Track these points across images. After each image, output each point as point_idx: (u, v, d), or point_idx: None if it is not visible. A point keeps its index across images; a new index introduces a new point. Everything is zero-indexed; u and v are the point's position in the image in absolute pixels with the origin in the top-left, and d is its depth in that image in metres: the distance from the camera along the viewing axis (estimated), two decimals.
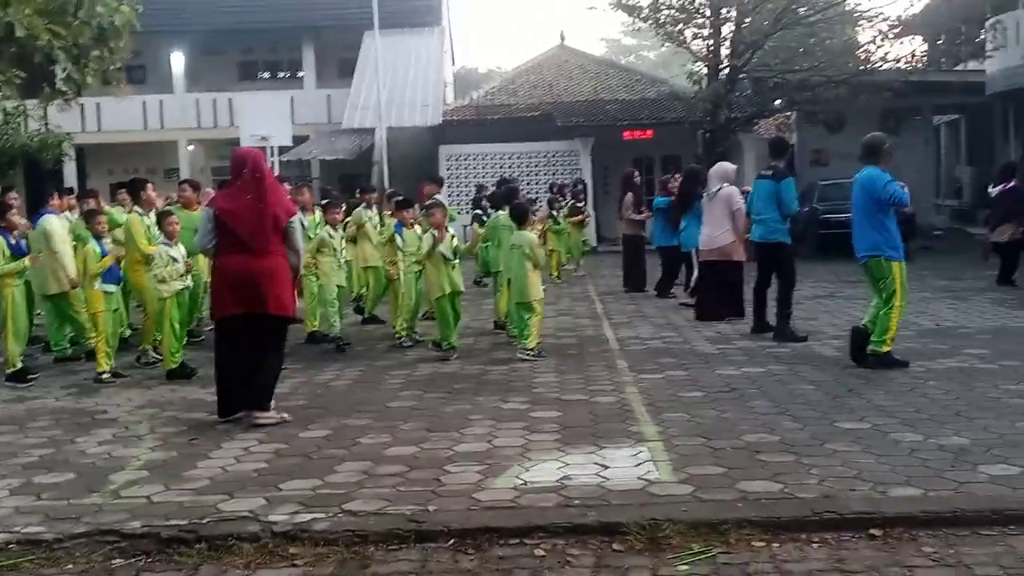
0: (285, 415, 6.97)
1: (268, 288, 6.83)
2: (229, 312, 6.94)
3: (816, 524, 4.58)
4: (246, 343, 6.93)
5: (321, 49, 32.06)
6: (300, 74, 32.53)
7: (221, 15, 30.29)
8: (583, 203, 20.42)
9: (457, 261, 9.62)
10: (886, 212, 8.37)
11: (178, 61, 31.50)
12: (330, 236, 10.76)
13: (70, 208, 11.66)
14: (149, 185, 10.63)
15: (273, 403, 7.03)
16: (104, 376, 8.76)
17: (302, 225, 10.65)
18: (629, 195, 15.65)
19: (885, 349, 8.28)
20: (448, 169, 26.28)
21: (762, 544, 4.46)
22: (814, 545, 4.45)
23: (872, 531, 4.52)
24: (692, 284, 12.87)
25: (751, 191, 10.82)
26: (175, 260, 8.96)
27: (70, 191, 13.88)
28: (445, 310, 9.59)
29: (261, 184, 6.96)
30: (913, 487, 4.99)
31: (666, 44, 24.75)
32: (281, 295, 6.91)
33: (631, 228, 15.65)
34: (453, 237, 9.79)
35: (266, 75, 34.53)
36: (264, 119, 21.59)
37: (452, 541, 4.60)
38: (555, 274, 17.21)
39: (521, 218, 9.81)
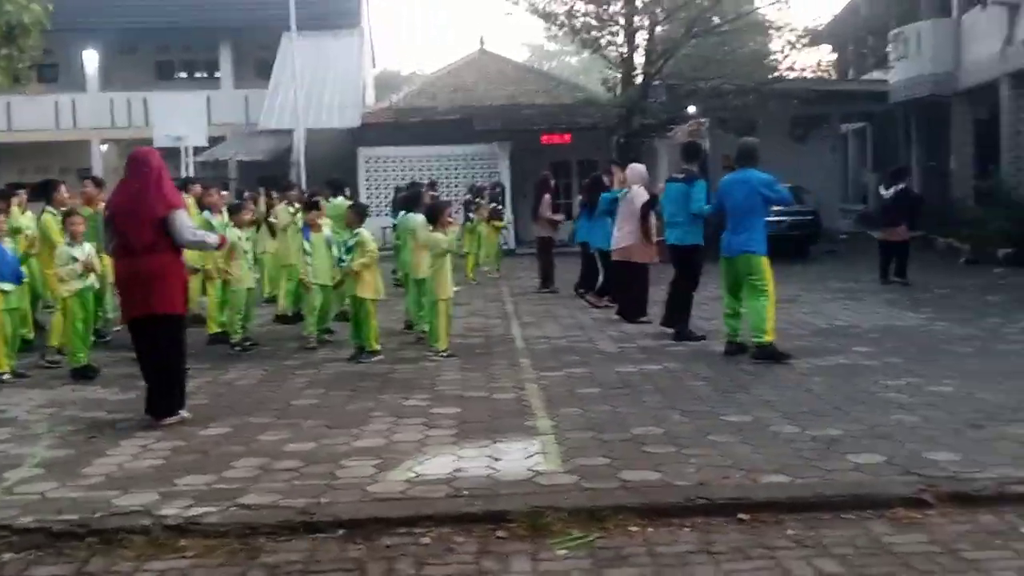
0: (184, 413, 7.01)
1: (152, 287, 6.85)
2: (128, 316, 7.07)
3: (689, 510, 4.84)
4: (148, 344, 6.99)
5: (238, 49, 31.82)
6: (217, 74, 32.22)
7: (135, 14, 29.83)
8: (501, 206, 20.67)
9: (349, 260, 9.67)
10: (765, 212, 9.08)
11: (91, 59, 30.94)
12: (239, 239, 10.75)
13: None
14: (62, 186, 10.55)
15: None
16: (4, 376, 8.69)
17: (210, 226, 10.79)
18: (547, 196, 15.96)
19: (768, 339, 8.77)
20: (367, 171, 26.34)
21: (637, 529, 4.69)
22: (686, 529, 4.69)
23: (740, 516, 4.79)
24: (599, 285, 13.18)
25: (663, 195, 11.08)
26: (75, 259, 8.93)
27: None
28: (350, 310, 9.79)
29: (144, 179, 6.95)
30: (783, 475, 5.28)
31: (581, 51, 25.13)
32: (167, 294, 6.90)
33: (545, 229, 15.93)
34: (339, 237, 9.98)
35: (183, 75, 34.11)
36: (179, 119, 21.40)
37: (342, 532, 4.74)
38: (470, 275, 17.40)
39: (433, 218, 9.92)
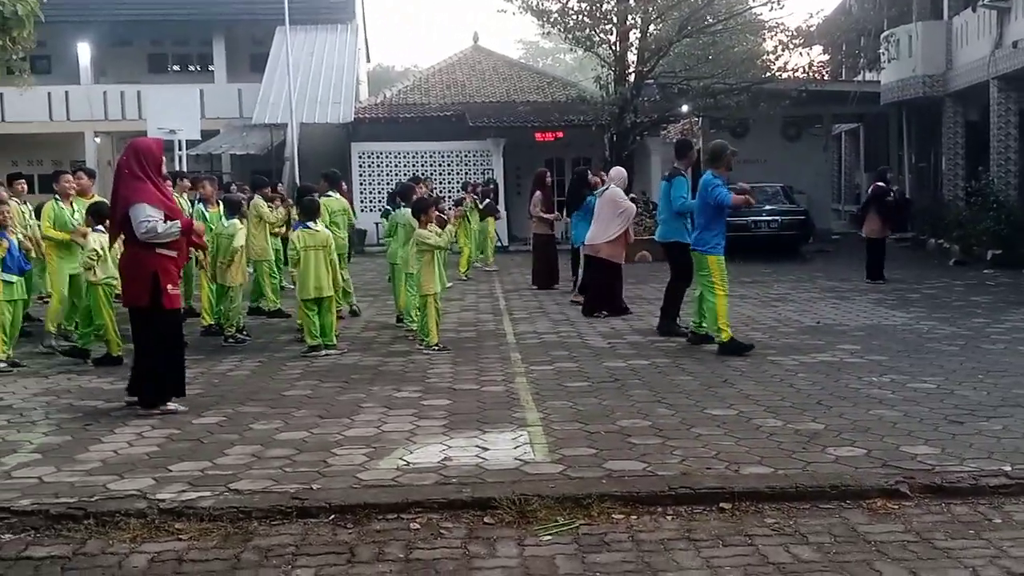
0: (173, 406, 7.05)
1: (122, 278, 7.22)
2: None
3: (671, 498, 4.96)
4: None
5: (232, 43, 31.86)
6: (211, 68, 32.26)
7: (128, 6, 29.91)
8: (494, 202, 20.82)
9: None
10: (717, 212, 9.36)
11: (84, 52, 30.97)
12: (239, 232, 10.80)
13: None
14: (64, 176, 10.64)
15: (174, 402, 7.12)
16: (0, 366, 8.78)
17: (204, 218, 10.89)
18: (538, 194, 16.01)
19: (725, 337, 9.12)
20: (360, 166, 26.44)
21: (621, 516, 4.82)
22: (668, 517, 4.82)
23: (722, 504, 4.92)
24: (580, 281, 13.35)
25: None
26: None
27: None
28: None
29: (115, 175, 7.15)
30: (764, 466, 5.41)
31: (575, 49, 25.25)
32: (129, 287, 7.07)
33: (541, 227, 15.97)
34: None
35: (176, 68, 34.19)
36: (172, 112, 21.44)
37: (332, 516, 4.86)
38: (463, 270, 17.52)
39: (419, 214, 10.01)
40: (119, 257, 7.50)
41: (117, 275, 8.91)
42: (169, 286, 7.02)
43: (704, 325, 9.62)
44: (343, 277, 11.37)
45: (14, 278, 9.11)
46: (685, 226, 10.50)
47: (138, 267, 7.01)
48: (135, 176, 7.03)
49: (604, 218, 11.85)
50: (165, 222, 6.98)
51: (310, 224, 9.84)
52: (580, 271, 13.32)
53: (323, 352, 9.47)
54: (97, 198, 10.34)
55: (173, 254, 7.11)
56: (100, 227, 9.12)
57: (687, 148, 11.30)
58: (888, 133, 28.79)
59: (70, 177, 10.59)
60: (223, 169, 28.82)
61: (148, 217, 6.94)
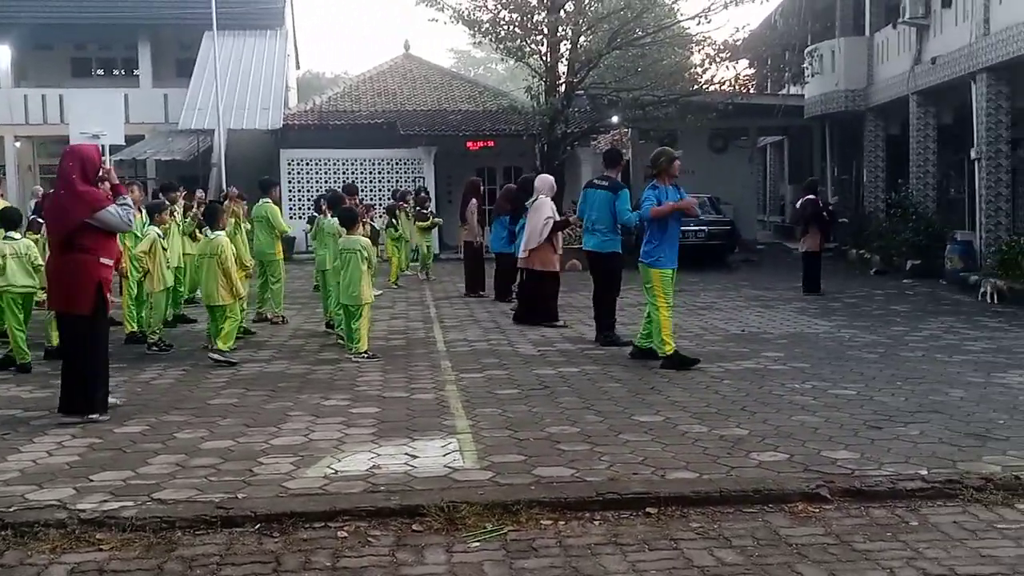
0: (95, 417, 6.89)
1: (61, 285, 6.94)
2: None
3: (599, 504, 5.01)
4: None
5: (158, 48, 31.35)
6: (136, 72, 31.69)
7: (51, 9, 29.23)
8: (425, 210, 20.74)
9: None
10: (659, 224, 9.06)
11: (4, 55, 30.21)
12: (160, 237, 10.64)
13: None
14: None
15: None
16: None
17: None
18: (474, 201, 16.03)
19: (668, 349, 8.91)
20: (289, 173, 26.14)
21: (549, 522, 4.85)
22: (596, 522, 4.86)
23: (648, 509, 4.98)
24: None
25: (582, 200, 11.16)
26: None
27: None
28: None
29: (61, 180, 7.00)
30: (689, 471, 5.49)
31: (506, 59, 25.32)
32: (70, 293, 6.89)
33: (471, 235, 16.00)
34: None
35: (100, 72, 33.52)
36: (96, 116, 20.90)
37: (258, 526, 4.80)
38: (393, 279, 17.43)
39: (348, 223, 9.98)
40: (49, 264, 7.33)
41: (22, 283, 8.84)
42: (108, 294, 7.05)
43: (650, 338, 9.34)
44: (271, 286, 11.38)
45: None
46: (620, 237, 10.56)
47: (82, 275, 6.88)
48: (83, 182, 6.90)
49: (533, 229, 11.87)
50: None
51: (207, 232, 9.81)
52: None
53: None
54: (2, 204, 10.14)
55: (111, 263, 7.13)
56: (11, 234, 9.00)
57: (618, 157, 11.38)
58: (812, 146, 29.38)
59: None
60: (148, 175, 28.29)
61: (115, 210, 6.92)
